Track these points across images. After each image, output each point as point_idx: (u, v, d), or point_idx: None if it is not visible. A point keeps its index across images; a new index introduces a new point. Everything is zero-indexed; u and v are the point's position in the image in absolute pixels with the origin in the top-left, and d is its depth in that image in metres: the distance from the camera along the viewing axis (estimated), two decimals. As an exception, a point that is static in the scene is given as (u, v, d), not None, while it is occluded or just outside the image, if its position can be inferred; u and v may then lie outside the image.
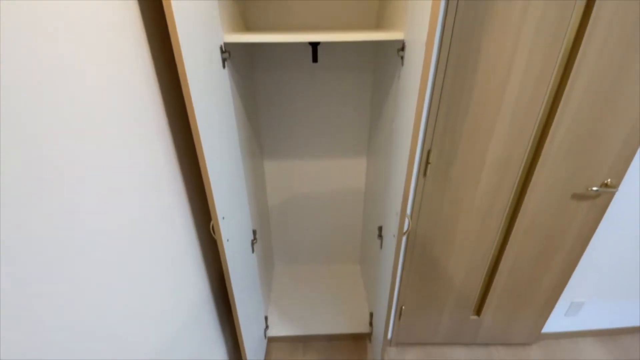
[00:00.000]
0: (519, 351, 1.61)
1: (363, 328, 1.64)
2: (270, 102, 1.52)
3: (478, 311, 1.53)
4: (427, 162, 1.12)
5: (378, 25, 1.27)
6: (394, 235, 0.97)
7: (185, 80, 0.64)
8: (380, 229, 1.31)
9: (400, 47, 0.86)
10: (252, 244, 1.29)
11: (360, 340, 1.65)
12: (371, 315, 1.60)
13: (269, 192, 1.79)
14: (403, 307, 1.49)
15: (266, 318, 1.61)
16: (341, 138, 1.63)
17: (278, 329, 1.63)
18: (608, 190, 1.16)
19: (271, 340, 1.64)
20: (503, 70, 0.96)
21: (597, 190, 1.17)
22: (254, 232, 1.35)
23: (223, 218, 0.90)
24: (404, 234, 0.94)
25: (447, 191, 1.17)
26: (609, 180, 1.16)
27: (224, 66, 0.92)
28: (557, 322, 1.60)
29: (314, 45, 1.16)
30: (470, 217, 1.23)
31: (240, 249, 1.10)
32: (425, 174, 1.14)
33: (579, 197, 1.19)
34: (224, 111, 0.94)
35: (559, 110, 1.02)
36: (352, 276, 2.00)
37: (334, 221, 1.91)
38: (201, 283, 1.00)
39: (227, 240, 0.94)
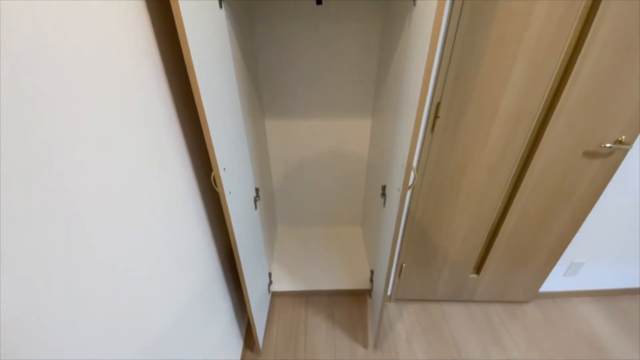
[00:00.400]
0: (515, 309, 1.66)
1: (363, 284, 1.68)
2: (270, 56, 1.44)
3: (478, 269, 1.56)
4: (436, 117, 1.07)
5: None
6: (398, 189, 0.96)
7: (178, 9, 0.59)
8: (383, 188, 1.30)
9: (413, -18, 0.79)
10: (255, 201, 1.29)
11: (360, 295, 1.70)
12: (372, 272, 1.63)
13: (270, 153, 1.76)
14: (404, 265, 1.52)
15: (270, 274, 1.65)
16: (346, 96, 1.57)
17: (281, 285, 1.68)
18: (621, 147, 1.12)
19: (275, 295, 1.69)
20: (523, 14, 0.89)
21: (610, 147, 1.13)
22: (257, 190, 1.35)
23: (224, 169, 0.88)
24: (409, 187, 0.92)
25: (454, 146, 1.14)
26: (623, 137, 1.12)
27: (220, 5, 0.85)
28: (555, 281, 1.63)
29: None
30: (476, 173, 1.20)
31: (243, 204, 1.09)
32: (433, 129, 1.10)
33: (590, 154, 1.15)
34: (222, 55, 0.89)
35: (578, 60, 0.96)
36: (353, 238, 2.03)
37: (337, 183, 1.90)
38: (204, 238, 1.00)
39: (229, 192, 0.92)
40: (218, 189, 0.88)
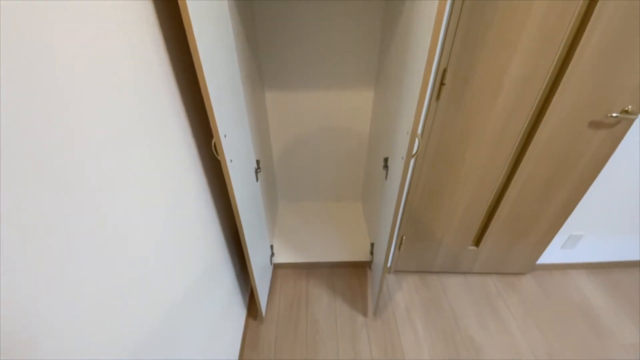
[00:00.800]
0: (513, 280, 1.70)
1: (364, 257, 1.71)
2: (270, 26, 1.39)
3: (477, 241, 1.58)
4: (442, 84, 1.05)
5: None
6: (402, 158, 0.94)
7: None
8: (386, 160, 1.29)
9: None
10: (256, 172, 1.28)
11: (360, 267, 1.73)
12: (372, 245, 1.65)
13: (271, 127, 1.73)
14: (404, 237, 1.54)
15: (272, 247, 1.67)
16: (348, 67, 1.53)
17: (283, 257, 1.71)
18: (628, 117, 1.10)
19: (277, 267, 1.72)
20: (536, -29, 0.85)
21: (616, 117, 1.11)
22: (257, 161, 1.33)
23: (225, 136, 0.87)
24: (413, 156, 0.91)
25: (459, 114, 1.12)
26: (629, 107, 1.10)
27: (218, -39, 0.81)
28: (552, 253, 1.66)
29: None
30: (481, 142, 1.19)
31: (244, 174, 1.09)
32: (438, 97, 1.08)
33: (596, 124, 1.14)
34: (221, 20, 0.85)
35: (588, 26, 0.92)
36: (354, 212, 2.04)
37: (338, 158, 1.89)
38: (206, 207, 1.00)
39: (231, 160, 0.91)
40: (219, 157, 0.86)
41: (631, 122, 1.14)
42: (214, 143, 0.85)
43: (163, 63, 0.73)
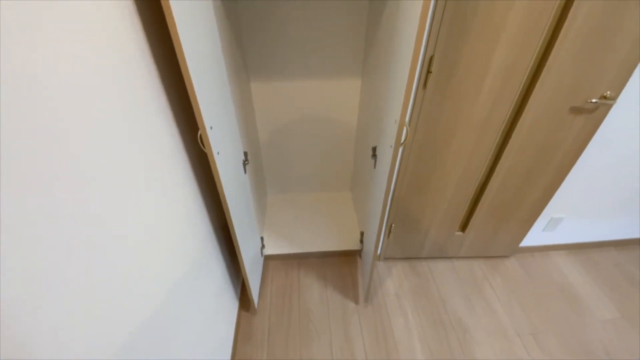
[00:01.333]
0: (497, 263, 1.75)
1: (354, 245, 1.73)
2: (254, 16, 1.35)
3: (463, 227, 1.62)
4: (429, 71, 1.05)
5: None
6: (391, 146, 0.95)
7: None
8: (374, 149, 1.29)
9: None
10: (244, 164, 1.27)
11: (350, 256, 1.76)
12: (362, 234, 1.67)
13: (257, 118, 1.71)
14: (393, 225, 1.56)
15: (262, 238, 1.67)
16: (334, 56, 1.51)
17: (273, 248, 1.71)
18: (606, 102, 1.14)
19: (268, 259, 1.72)
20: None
21: (595, 103, 1.14)
22: (245, 153, 1.32)
23: (211, 128, 0.85)
24: (401, 144, 0.91)
25: (446, 102, 1.13)
26: (608, 92, 1.13)
27: (198, -56, 0.77)
28: (534, 236, 1.72)
29: None
30: (467, 129, 1.21)
31: (232, 166, 1.07)
32: (425, 85, 1.08)
33: (576, 110, 1.17)
34: (203, 8, 0.82)
35: (569, 14, 0.94)
36: (343, 202, 2.05)
37: (326, 148, 1.88)
38: (195, 201, 0.98)
39: (218, 153, 0.90)
40: (206, 149, 0.85)
41: (610, 107, 1.18)
42: (200, 135, 0.83)
43: (144, 54, 0.70)
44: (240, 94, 1.33)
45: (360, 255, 1.76)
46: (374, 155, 1.28)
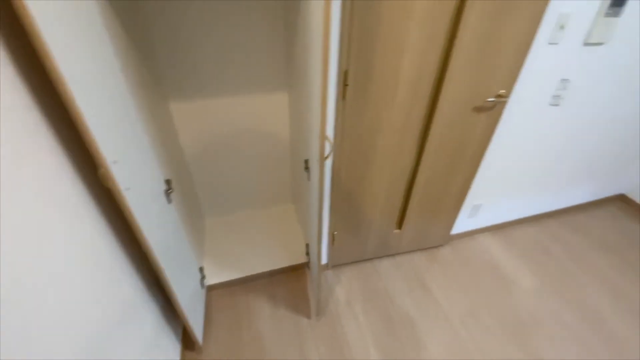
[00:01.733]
0: (434, 252, 1.88)
1: (301, 259, 1.71)
2: (167, 35, 1.26)
3: (400, 225, 1.70)
4: (345, 84, 1.08)
5: None
6: (317, 161, 0.95)
7: None
8: (306, 161, 1.29)
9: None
10: (167, 194, 1.16)
11: (299, 270, 1.73)
12: (307, 246, 1.66)
13: (181, 139, 1.60)
14: (335, 233, 1.57)
15: (201, 269, 1.55)
16: (257, 71, 1.48)
17: (216, 276, 1.60)
18: (501, 100, 1.30)
19: (211, 289, 1.61)
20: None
21: (492, 101, 1.29)
22: (168, 181, 1.21)
23: (115, 162, 0.75)
24: (326, 158, 0.92)
25: (366, 111, 1.17)
26: (502, 91, 1.29)
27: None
28: (462, 223, 1.88)
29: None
30: (388, 135, 1.27)
31: (150, 199, 0.97)
32: (344, 96, 1.11)
33: (478, 109, 1.31)
34: (85, 18, 0.73)
35: (460, 25, 1.05)
36: (286, 215, 2.02)
37: (261, 163, 1.84)
38: (106, 246, 0.87)
39: (127, 188, 0.80)
40: (110, 186, 0.75)
41: (504, 103, 1.34)
42: (101, 172, 0.73)
43: (14, 84, 0.59)
44: (155, 116, 1.22)
45: (308, 267, 1.74)
46: (307, 168, 1.28)
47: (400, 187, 1.49)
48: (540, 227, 2.10)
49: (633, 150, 1.98)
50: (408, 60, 1.08)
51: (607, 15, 1.24)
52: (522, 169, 1.72)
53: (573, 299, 1.63)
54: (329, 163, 1.28)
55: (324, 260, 1.67)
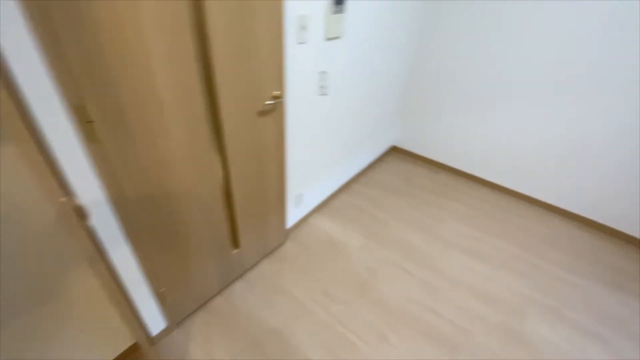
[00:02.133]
0: (279, 253, 1.91)
1: (126, 344, 1.34)
2: None
3: (236, 243, 1.61)
4: (88, 121, 0.83)
5: None
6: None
7: None
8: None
9: None
10: None
11: (137, 351, 1.36)
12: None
13: None
14: (163, 290, 1.31)
15: None
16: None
17: None
18: (279, 100, 1.37)
19: None
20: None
21: (272, 104, 1.35)
22: None
23: None
24: (85, 220, 0.68)
25: (138, 148, 0.97)
26: (276, 92, 1.36)
27: None
28: (293, 214, 1.99)
29: None
30: (179, 164, 1.11)
31: None
32: (93, 137, 0.86)
33: (262, 113, 1.34)
34: None
35: (210, 35, 1.00)
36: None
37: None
38: None
39: None
40: None
41: (282, 103, 1.43)
42: None
43: None
44: None
45: (151, 343, 1.39)
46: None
47: (218, 211, 1.37)
48: (350, 192, 2.50)
49: (394, 110, 2.66)
50: (162, 77, 0.93)
51: (335, 12, 1.50)
52: (320, 153, 1.96)
53: (390, 241, 2.04)
54: (115, 223, 1.00)
55: (161, 326, 1.38)
